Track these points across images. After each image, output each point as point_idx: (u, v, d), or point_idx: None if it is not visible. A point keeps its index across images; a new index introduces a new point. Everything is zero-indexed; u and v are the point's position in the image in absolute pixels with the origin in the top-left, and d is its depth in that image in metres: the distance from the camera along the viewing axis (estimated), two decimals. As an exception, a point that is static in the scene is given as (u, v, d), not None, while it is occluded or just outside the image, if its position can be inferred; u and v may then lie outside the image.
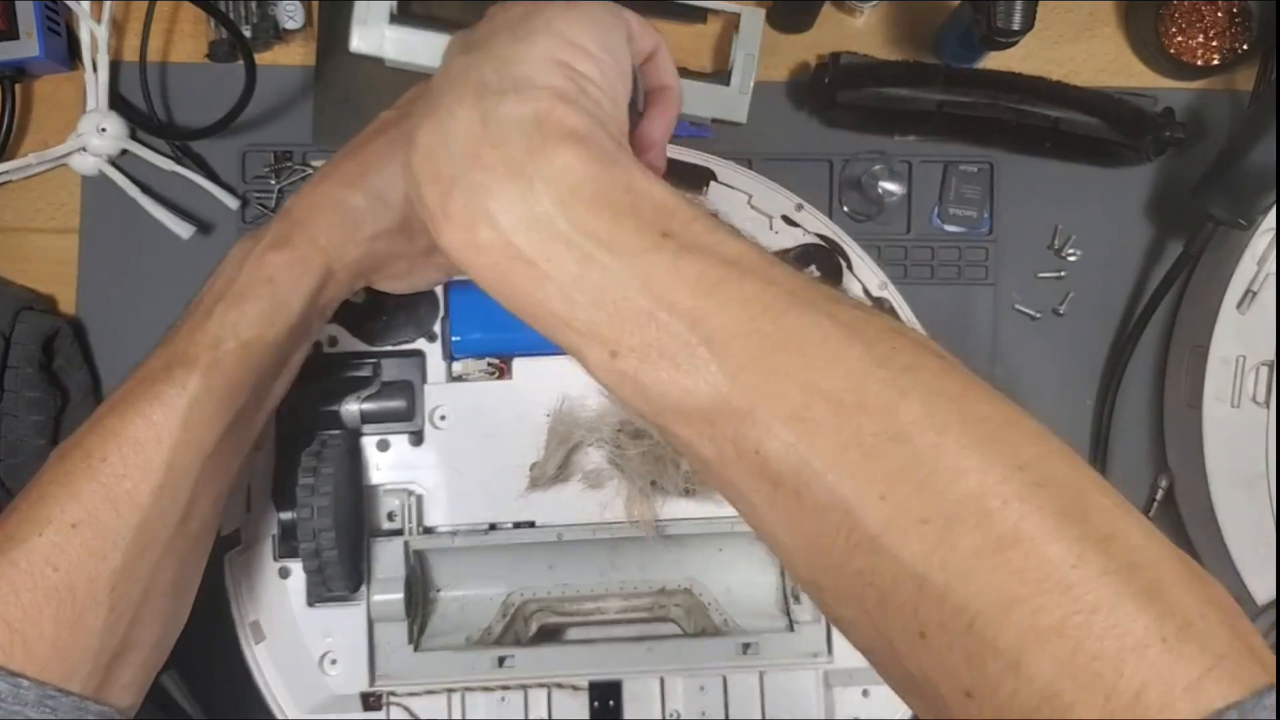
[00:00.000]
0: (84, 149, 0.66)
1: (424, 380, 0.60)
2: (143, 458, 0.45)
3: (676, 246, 0.33)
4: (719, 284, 0.33)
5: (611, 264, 0.33)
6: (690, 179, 0.61)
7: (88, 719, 0.44)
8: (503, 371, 0.60)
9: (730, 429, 0.32)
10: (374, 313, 0.59)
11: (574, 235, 0.33)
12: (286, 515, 0.58)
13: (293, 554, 0.57)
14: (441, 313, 0.60)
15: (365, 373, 0.60)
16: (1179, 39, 0.69)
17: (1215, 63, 0.69)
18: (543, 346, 0.59)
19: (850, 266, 0.61)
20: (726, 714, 0.58)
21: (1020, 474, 0.29)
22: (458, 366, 0.60)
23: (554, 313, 0.34)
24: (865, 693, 0.59)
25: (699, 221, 0.34)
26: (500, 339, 0.60)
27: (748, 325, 0.32)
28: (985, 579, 0.28)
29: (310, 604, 0.58)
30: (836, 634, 0.59)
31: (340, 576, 0.55)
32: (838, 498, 0.30)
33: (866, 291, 0.61)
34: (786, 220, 0.61)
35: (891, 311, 0.61)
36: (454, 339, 0.60)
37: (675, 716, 0.58)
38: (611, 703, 0.58)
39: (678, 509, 0.59)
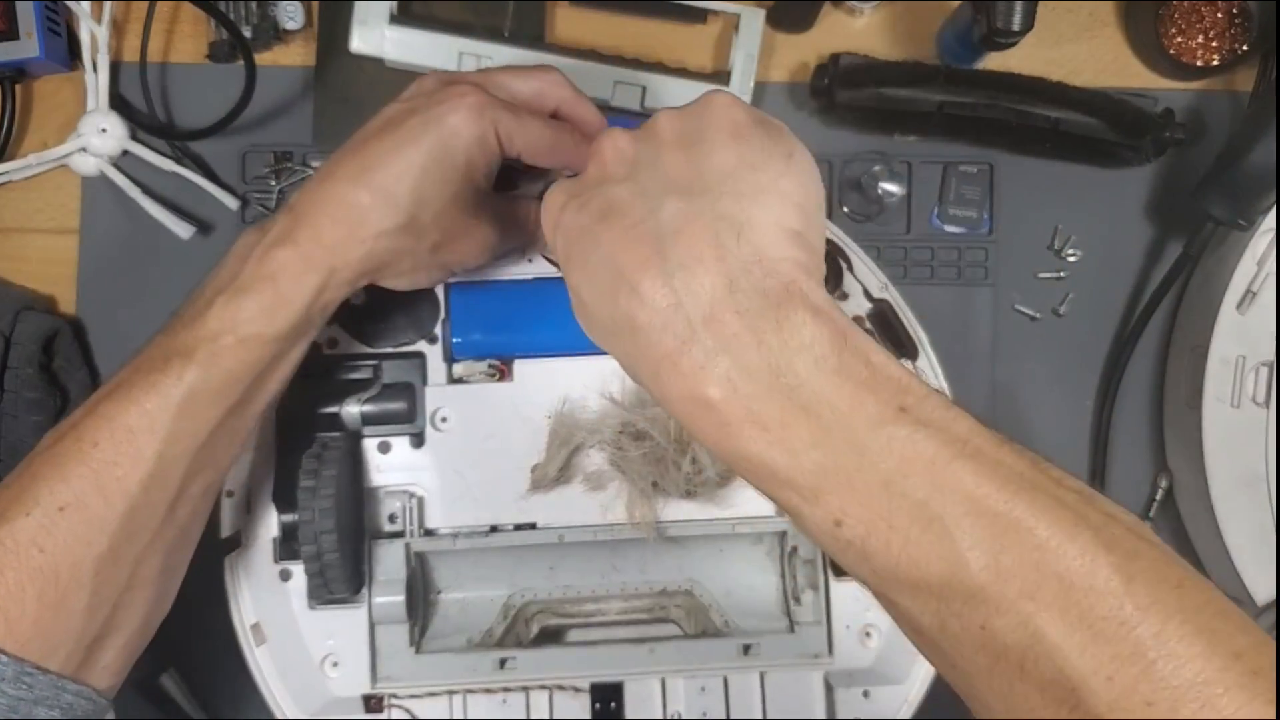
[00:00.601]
0: (84, 149, 0.66)
1: (425, 382, 0.60)
2: (134, 446, 0.45)
3: (912, 421, 0.34)
4: (951, 463, 0.33)
5: (849, 436, 0.34)
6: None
7: (65, 697, 0.44)
8: (503, 373, 0.60)
9: (958, 604, 0.33)
10: (374, 315, 0.59)
11: (814, 405, 0.34)
12: (287, 517, 0.58)
13: (294, 556, 0.57)
14: (442, 314, 0.60)
15: (366, 375, 0.60)
16: (1179, 39, 0.69)
17: (1215, 63, 0.69)
18: (543, 348, 0.60)
19: (850, 268, 0.61)
20: (728, 715, 0.58)
21: (1238, 663, 0.30)
22: (458, 368, 0.60)
23: (780, 476, 0.35)
24: (866, 694, 0.59)
25: (931, 399, 0.35)
26: (501, 341, 0.60)
27: (981, 504, 0.33)
28: None
29: (311, 606, 0.58)
30: (838, 635, 0.59)
31: (341, 579, 0.55)
32: (1064, 676, 0.31)
33: (867, 293, 0.61)
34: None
35: (890, 312, 0.61)
36: (454, 341, 0.60)
37: (676, 718, 0.58)
38: (613, 704, 0.58)
39: (679, 510, 0.59)
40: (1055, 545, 0.32)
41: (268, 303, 0.48)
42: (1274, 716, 0.29)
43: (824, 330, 0.35)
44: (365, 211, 0.49)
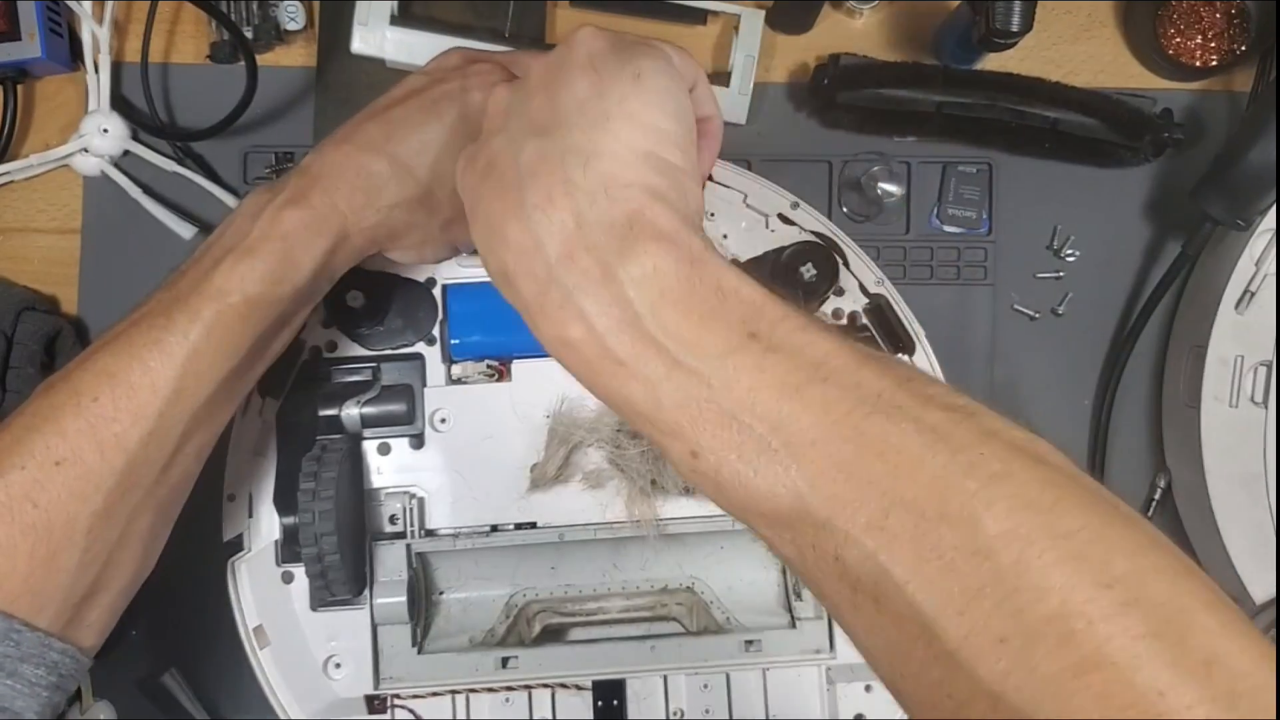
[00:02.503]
0: (86, 150, 0.66)
1: (424, 383, 0.60)
2: (135, 403, 0.44)
3: (762, 348, 0.33)
4: (801, 387, 0.32)
5: (697, 366, 0.33)
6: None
7: (51, 655, 0.44)
8: (502, 373, 0.60)
9: (810, 534, 0.32)
10: (373, 317, 0.59)
11: (662, 338, 0.34)
12: (288, 520, 0.58)
13: (295, 559, 0.57)
14: (440, 316, 0.60)
15: (365, 377, 0.60)
16: (1177, 40, 0.69)
17: (1214, 64, 0.70)
18: (541, 348, 0.60)
19: (846, 264, 0.61)
20: (730, 712, 0.59)
21: (1108, 593, 0.28)
22: (457, 369, 0.60)
23: (639, 410, 0.35)
24: (868, 688, 0.59)
25: (787, 320, 0.34)
26: (499, 341, 0.60)
27: (829, 430, 0.32)
28: (1062, 704, 0.27)
29: (314, 608, 0.58)
30: (838, 630, 0.59)
31: (343, 581, 0.55)
32: (915, 610, 0.30)
33: (863, 288, 0.61)
34: (782, 218, 0.62)
35: (887, 307, 0.61)
36: (453, 342, 0.60)
37: (679, 715, 0.59)
38: (615, 702, 0.58)
39: (679, 507, 0.59)
40: (906, 471, 0.30)
41: (276, 263, 0.47)
42: (1148, 651, 0.27)
43: (669, 258, 0.34)
44: (382, 180, 0.48)
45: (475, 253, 0.57)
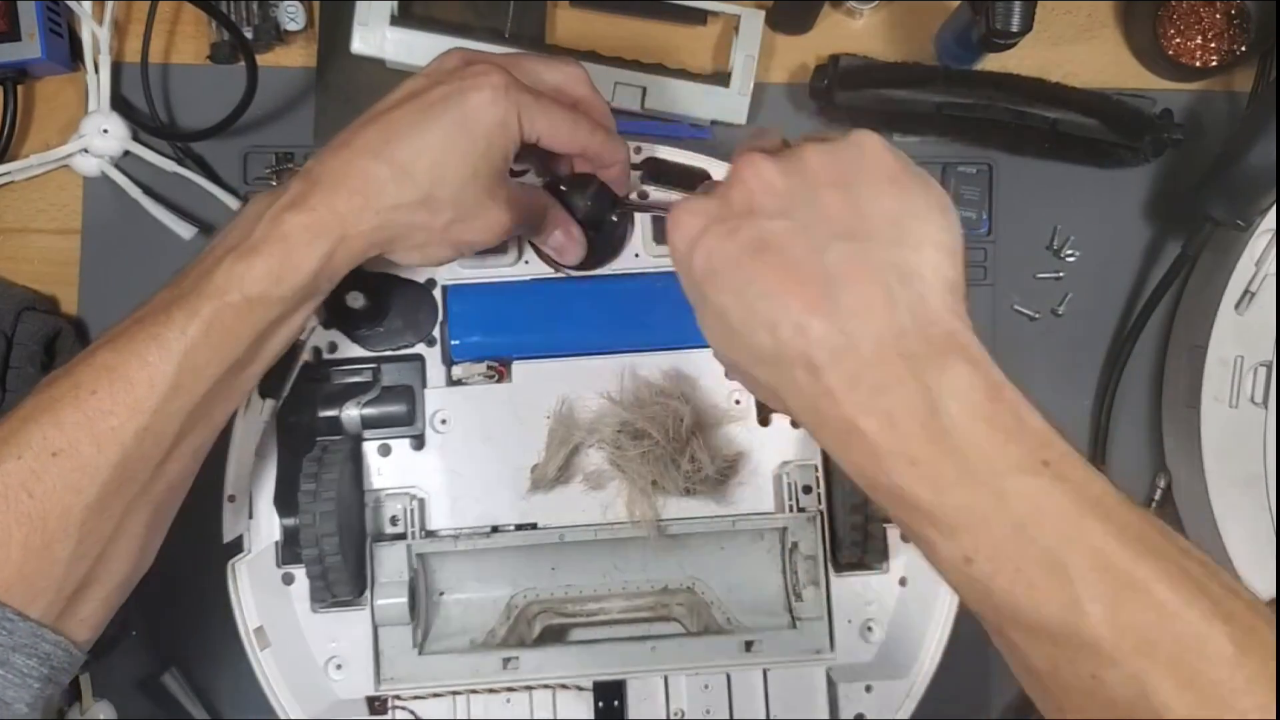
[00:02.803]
0: (86, 150, 0.66)
1: (424, 385, 0.60)
2: (132, 397, 0.45)
3: (1052, 475, 0.36)
4: (1084, 516, 0.35)
5: (991, 479, 0.36)
6: (685, 179, 0.61)
7: (44, 646, 0.44)
8: (502, 374, 0.60)
9: (1073, 651, 0.35)
10: (373, 318, 0.59)
11: (963, 446, 0.36)
12: (289, 521, 0.58)
13: (296, 560, 0.57)
14: (440, 317, 0.60)
15: (365, 378, 0.60)
16: (1177, 40, 0.69)
17: (1213, 64, 0.70)
18: (542, 349, 0.60)
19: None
20: (731, 712, 0.59)
21: None
22: (457, 370, 0.60)
23: (920, 507, 0.37)
24: (869, 688, 0.59)
25: (1072, 455, 0.37)
26: (499, 342, 0.60)
27: (1107, 560, 0.35)
28: None
29: (314, 610, 0.58)
30: (839, 630, 0.59)
31: (343, 582, 0.55)
32: None
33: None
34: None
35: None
36: (453, 343, 0.60)
37: (680, 715, 0.59)
38: (616, 703, 0.58)
39: (679, 508, 0.59)
40: (1174, 608, 0.34)
41: (276, 264, 0.47)
42: None
43: (980, 380, 0.37)
44: (382, 184, 0.49)
45: (465, 267, 0.58)
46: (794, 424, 0.60)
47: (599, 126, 0.54)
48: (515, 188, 0.53)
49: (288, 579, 0.58)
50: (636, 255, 0.61)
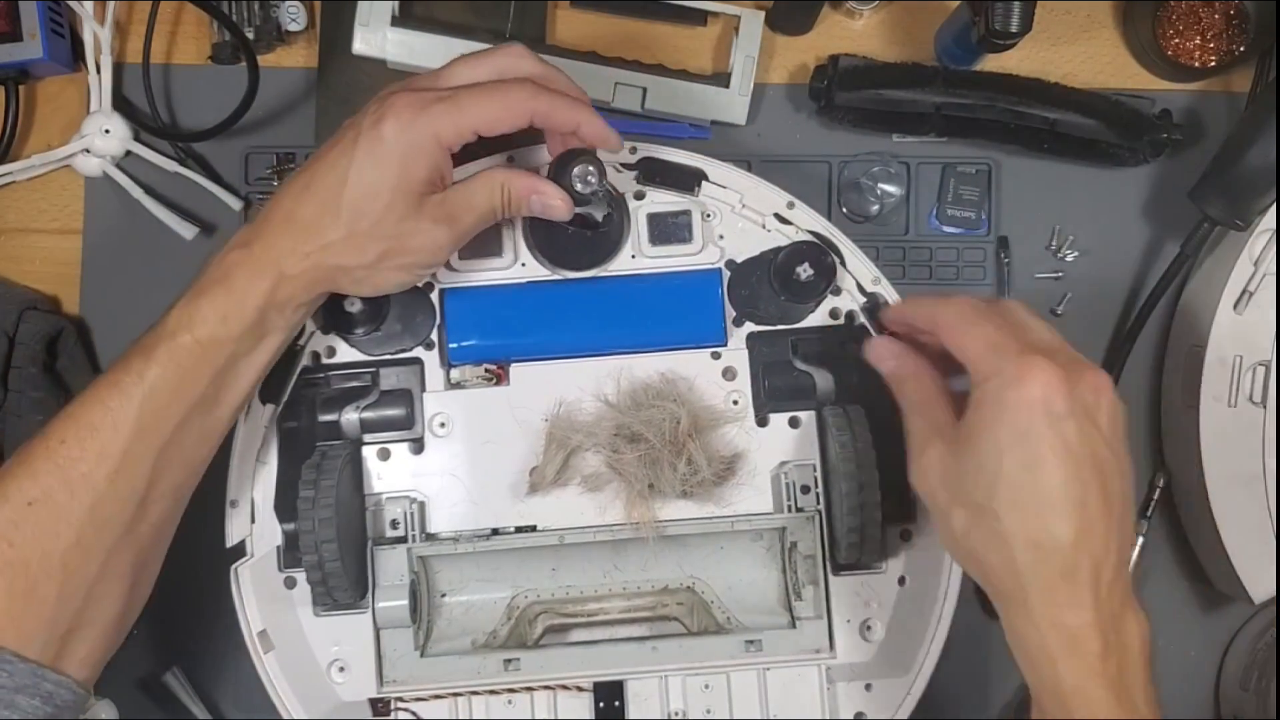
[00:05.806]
0: (87, 150, 0.67)
1: (423, 388, 0.60)
2: (98, 442, 0.47)
3: (1118, 690, 0.46)
4: None
5: (1128, 705, 0.46)
6: (682, 179, 0.61)
7: (45, 686, 0.46)
8: (500, 377, 0.60)
9: None
10: (371, 322, 0.59)
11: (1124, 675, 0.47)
12: (289, 527, 0.58)
13: (297, 564, 0.58)
14: (437, 320, 0.60)
15: (364, 382, 0.61)
16: (1176, 41, 0.70)
17: (1212, 65, 0.70)
18: (539, 351, 0.60)
19: (843, 262, 0.61)
20: (730, 711, 0.59)
21: None
22: (455, 373, 0.60)
23: (1053, 688, 0.47)
24: (868, 687, 0.59)
25: (1143, 673, 0.47)
26: (497, 345, 0.60)
27: None
28: None
29: (316, 613, 0.59)
30: (838, 629, 0.59)
31: (344, 586, 0.56)
32: None
33: (860, 286, 0.61)
34: (779, 218, 0.62)
35: (884, 304, 0.61)
36: (451, 346, 0.60)
37: (679, 715, 0.59)
38: (616, 703, 0.58)
39: (678, 509, 0.59)
40: None
41: (220, 304, 0.50)
42: None
43: (1142, 632, 0.48)
44: (308, 224, 0.50)
45: (459, 270, 0.58)
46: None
47: (542, 90, 0.52)
48: (452, 200, 0.53)
49: (290, 583, 0.59)
50: (633, 256, 0.61)
